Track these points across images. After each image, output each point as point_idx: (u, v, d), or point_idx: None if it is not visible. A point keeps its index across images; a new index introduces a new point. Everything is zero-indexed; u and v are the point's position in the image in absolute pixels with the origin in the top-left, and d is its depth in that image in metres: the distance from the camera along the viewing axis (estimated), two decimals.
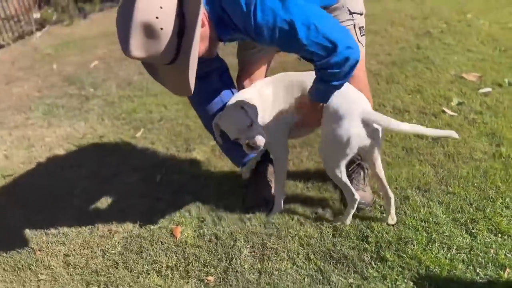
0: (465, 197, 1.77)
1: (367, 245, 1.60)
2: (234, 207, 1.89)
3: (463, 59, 3.11)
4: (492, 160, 1.98)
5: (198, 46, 1.27)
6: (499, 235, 1.57)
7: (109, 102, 3.18)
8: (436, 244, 1.56)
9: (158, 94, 3.20)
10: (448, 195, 1.80)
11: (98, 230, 1.87)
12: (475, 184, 1.84)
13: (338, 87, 1.45)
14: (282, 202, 1.82)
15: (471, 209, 1.71)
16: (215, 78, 1.79)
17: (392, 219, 1.68)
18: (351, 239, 1.65)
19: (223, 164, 2.25)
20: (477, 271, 1.44)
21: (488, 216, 1.65)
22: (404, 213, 1.72)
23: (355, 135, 1.52)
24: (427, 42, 3.54)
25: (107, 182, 2.22)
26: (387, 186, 1.66)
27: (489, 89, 2.62)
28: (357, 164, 1.86)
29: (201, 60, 1.34)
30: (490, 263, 1.46)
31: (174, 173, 2.24)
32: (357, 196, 1.64)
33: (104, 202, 2.07)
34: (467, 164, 1.98)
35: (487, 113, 2.37)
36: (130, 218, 1.91)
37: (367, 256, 1.56)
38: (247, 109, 1.57)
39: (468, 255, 1.50)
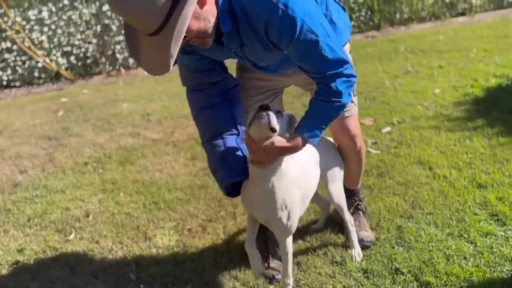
0: (441, 214, 2.02)
1: (403, 276, 1.65)
2: None
3: None
4: (436, 181, 2.31)
5: (189, 19, 1.16)
6: (489, 236, 1.83)
7: (4, 210, 2.54)
8: (454, 257, 1.72)
9: (65, 188, 2.72)
10: (428, 216, 2.02)
11: None
12: (441, 202, 2.11)
13: (340, 109, 1.43)
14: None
15: (454, 222, 1.95)
16: (214, 92, 1.61)
17: (359, 254, 1.79)
18: (384, 275, 1.67)
19: (201, 240, 2.02)
20: (499, 269, 1.64)
21: (470, 224, 1.91)
22: (414, 240, 1.85)
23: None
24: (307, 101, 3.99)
25: None
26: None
27: (389, 128, 3.10)
28: (354, 207, 1.93)
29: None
30: (503, 260, 1.68)
31: (148, 268, 1.90)
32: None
33: None
34: (422, 188, 2.26)
35: (401, 146, 2.79)
36: None
37: (411, 285, 1.60)
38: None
39: (483, 259, 1.69)
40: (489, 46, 5.27)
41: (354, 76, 1.41)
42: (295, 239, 1.96)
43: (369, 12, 7.49)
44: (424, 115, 3.28)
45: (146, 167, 2.95)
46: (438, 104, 3.48)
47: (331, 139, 1.86)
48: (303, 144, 1.43)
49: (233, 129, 1.61)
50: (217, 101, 1.61)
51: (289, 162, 1.47)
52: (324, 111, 1.44)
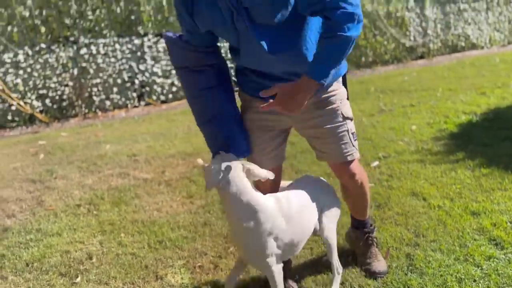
0: (444, 241, 2.12)
1: None
2: None
3: None
4: (433, 211, 2.44)
5: None
6: (492, 259, 1.95)
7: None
8: (465, 281, 1.81)
9: (61, 231, 2.64)
10: (432, 243, 2.12)
11: None
12: (441, 230, 2.23)
13: (345, 43, 1.41)
14: None
15: (458, 247, 2.06)
16: (212, 74, 1.65)
17: None
18: None
19: (215, 276, 2.02)
20: None
21: (473, 248, 2.03)
22: (425, 266, 1.93)
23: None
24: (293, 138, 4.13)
25: None
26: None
27: (377, 162, 3.25)
28: (365, 239, 2.00)
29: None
30: (510, 281, 1.79)
31: None
32: None
33: None
34: (420, 217, 2.38)
35: (392, 179, 2.93)
36: None
37: None
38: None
39: (492, 281, 1.80)
40: (453, 86, 5.70)
41: (359, 14, 1.38)
42: (307, 270, 2.00)
43: None
44: (407, 150, 3.47)
45: (142, 207, 2.91)
46: (418, 140, 3.70)
47: (325, 180, 1.95)
48: (315, 85, 1.45)
49: (232, 110, 1.69)
50: (215, 84, 1.65)
51: (269, 213, 1.57)
52: (330, 47, 1.42)
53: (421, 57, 8.72)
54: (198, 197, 2.98)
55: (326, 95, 1.69)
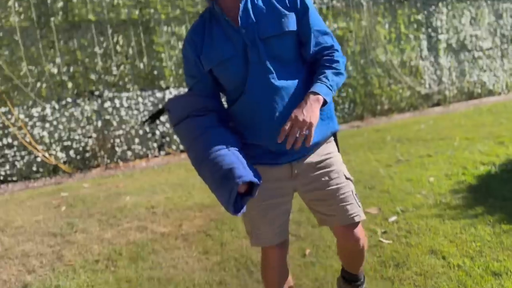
0: None
1: None
2: None
3: None
4: (452, 271, 2.39)
5: None
6: None
7: None
8: None
9: None
10: None
11: None
12: None
13: (341, 78, 1.63)
14: None
15: None
16: (215, 117, 1.65)
17: None
18: None
19: None
20: None
21: None
22: None
23: None
24: None
25: None
26: None
27: (395, 217, 3.22)
28: None
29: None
30: None
31: None
32: None
33: None
34: (440, 278, 2.33)
35: (410, 236, 2.90)
36: None
37: None
38: None
39: None
40: (470, 135, 5.67)
41: (344, 58, 1.68)
42: None
43: (352, 104, 8.02)
44: (425, 203, 3.44)
45: (159, 264, 2.94)
46: (436, 193, 3.67)
47: None
48: (320, 99, 1.52)
49: (237, 146, 1.60)
50: (218, 125, 1.64)
51: None
52: (329, 73, 1.59)
53: (438, 104, 8.75)
54: (213, 253, 2.99)
55: (325, 157, 1.70)
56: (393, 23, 8.15)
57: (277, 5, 1.58)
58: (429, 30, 8.49)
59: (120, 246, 3.29)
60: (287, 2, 1.58)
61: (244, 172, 1.50)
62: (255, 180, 1.51)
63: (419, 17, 8.35)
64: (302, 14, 1.60)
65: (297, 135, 1.47)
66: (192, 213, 3.87)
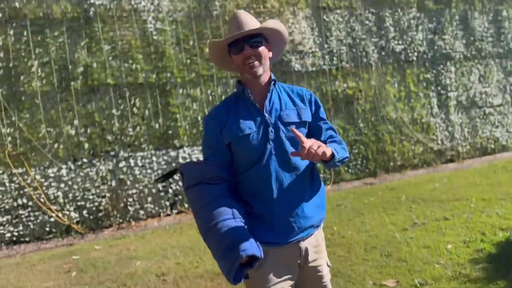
0: None
1: None
2: None
3: (363, 268, 3.66)
4: None
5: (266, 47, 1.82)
6: None
7: None
8: None
9: None
10: None
11: None
12: None
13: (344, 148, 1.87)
14: None
15: None
16: (226, 187, 1.78)
17: None
18: None
19: None
20: None
21: None
22: None
23: None
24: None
25: None
26: None
27: None
28: None
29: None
30: None
31: None
32: None
33: None
34: None
35: None
36: None
37: None
38: None
39: None
40: (487, 196, 5.58)
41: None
42: None
43: (364, 161, 8.01)
44: (444, 275, 3.33)
45: None
46: (454, 262, 3.56)
47: None
48: (329, 150, 1.70)
49: (243, 219, 1.71)
50: (228, 195, 1.75)
51: None
52: (337, 146, 1.81)
53: (451, 160, 8.70)
54: None
55: (320, 242, 1.90)
56: (402, 82, 8.31)
57: (296, 100, 1.88)
58: (439, 88, 8.62)
59: None
60: (305, 99, 1.90)
61: (248, 245, 1.61)
62: (258, 254, 1.62)
63: (428, 75, 8.51)
64: (315, 110, 1.92)
65: (313, 151, 1.61)
66: (203, 282, 3.79)
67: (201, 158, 1.96)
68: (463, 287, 3.08)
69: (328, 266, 1.92)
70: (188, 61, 6.78)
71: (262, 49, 1.78)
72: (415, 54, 8.38)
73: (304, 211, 1.78)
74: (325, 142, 1.84)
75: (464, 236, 4.16)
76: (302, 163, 1.80)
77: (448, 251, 3.83)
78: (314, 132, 1.88)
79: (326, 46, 7.70)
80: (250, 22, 1.77)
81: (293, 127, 1.76)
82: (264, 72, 1.81)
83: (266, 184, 1.76)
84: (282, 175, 1.76)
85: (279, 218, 1.76)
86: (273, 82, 1.85)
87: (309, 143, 1.61)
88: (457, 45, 8.75)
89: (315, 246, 1.85)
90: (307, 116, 1.86)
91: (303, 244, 1.81)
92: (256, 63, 1.77)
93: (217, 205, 1.70)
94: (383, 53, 8.14)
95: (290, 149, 1.77)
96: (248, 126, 1.77)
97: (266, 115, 1.79)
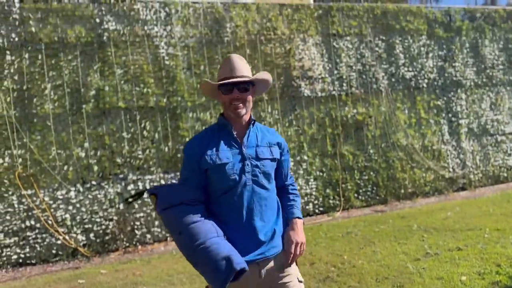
0: None
1: None
2: None
3: None
4: None
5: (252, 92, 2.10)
6: None
7: None
8: None
9: None
10: None
11: None
12: None
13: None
14: None
15: None
16: (204, 209, 1.99)
17: None
18: None
19: None
20: None
21: None
22: None
23: None
24: (335, 286, 3.94)
25: None
26: None
27: None
28: None
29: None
30: None
31: None
32: None
33: None
34: None
35: None
36: None
37: None
38: None
39: None
40: (501, 226, 5.44)
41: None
42: None
43: (375, 188, 7.91)
44: None
45: None
46: None
47: None
48: (301, 222, 2.13)
49: (224, 235, 1.94)
50: (207, 215, 1.98)
51: None
52: (296, 199, 2.21)
53: (463, 188, 8.56)
54: None
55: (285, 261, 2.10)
56: (412, 109, 8.28)
57: (270, 140, 2.14)
58: (450, 115, 8.57)
59: None
60: (277, 140, 2.17)
61: (240, 259, 1.84)
62: (247, 267, 1.85)
63: (439, 102, 8.48)
64: (285, 153, 2.20)
65: (298, 253, 2.04)
66: None
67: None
68: None
69: (300, 281, 2.08)
70: (199, 85, 6.84)
71: (248, 93, 2.05)
72: (425, 81, 8.38)
73: (273, 239, 2.04)
74: (285, 183, 2.24)
75: (478, 267, 4.04)
76: (272, 196, 2.08)
77: (463, 283, 3.70)
78: (279, 172, 2.19)
79: (335, 72, 7.74)
80: (242, 68, 2.03)
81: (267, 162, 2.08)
82: (246, 113, 2.06)
83: (238, 210, 1.98)
84: (253, 204, 2.00)
85: (247, 244, 1.97)
86: (252, 122, 2.10)
87: (297, 249, 2.04)
88: (468, 72, 8.74)
89: (282, 266, 2.06)
90: (277, 154, 2.13)
91: (265, 266, 2.02)
92: (241, 105, 2.02)
93: (202, 224, 1.90)
94: (393, 80, 8.15)
95: (264, 181, 2.04)
96: (226, 156, 1.99)
97: (244, 149, 2.03)
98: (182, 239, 1.91)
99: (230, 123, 2.06)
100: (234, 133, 2.04)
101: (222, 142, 2.03)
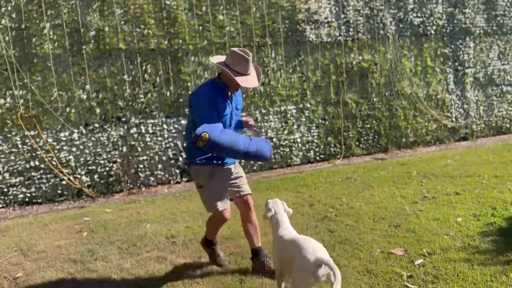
0: None
1: None
2: None
3: (371, 237, 3.65)
4: None
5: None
6: None
7: None
8: None
9: None
10: None
11: None
12: None
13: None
14: None
15: None
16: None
17: None
18: None
19: None
20: None
21: None
22: None
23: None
24: (332, 225, 4.05)
25: None
26: None
27: (421, 260, 3.11)
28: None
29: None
30: None
31: None
32: None
33: None
34: None
35: (438, 281, 2.77)
36: None
37: None
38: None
39: None
40: (499, 172, 5.50)
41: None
42: None
43: (376, 136, 7.93)
44: (452, 246, 3.31)
45: None
46: (464, 234, 3.53)
47: None
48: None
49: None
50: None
51: None
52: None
53: (464, 138, 8.57)
54: None
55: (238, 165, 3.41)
56: (419, 56, 8.11)
57: (239, 100, 3.30)
58: (456, 63, 8.41)
59: (137, 277, 3.26)
60: (241, 100, 3.35)
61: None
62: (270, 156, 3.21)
63: (446, 50, 8.29)
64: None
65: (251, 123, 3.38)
66: None
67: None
68: (472, 258, 3.06)
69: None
70: (200, 28, 6.68)
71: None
72: (434, 27, 8.15)
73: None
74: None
75: (474, 210, 4.12)
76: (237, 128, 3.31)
77: (458, 223, 3.80)
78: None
79: (342, 16, 7.51)
80: (253, 71, 3.08)
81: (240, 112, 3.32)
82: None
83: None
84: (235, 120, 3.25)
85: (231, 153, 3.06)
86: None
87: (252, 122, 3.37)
88: (478, 19, 8.47)
89: (236, 167, 3.31)
90: (240, 107, 3.32)
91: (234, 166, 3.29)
92: (239, 90, 3.21)
93: (241, 134, 3.11)
94: (401, 25, 7.92)
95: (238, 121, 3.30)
96: (225, 109, 3.08)
97: (231, 103, 3.15)
98: (240, 143, 2.93)
99: (228, 88, 3.09)
100: (229, 95, 3.13)
101: (222, 100, 3.06)
